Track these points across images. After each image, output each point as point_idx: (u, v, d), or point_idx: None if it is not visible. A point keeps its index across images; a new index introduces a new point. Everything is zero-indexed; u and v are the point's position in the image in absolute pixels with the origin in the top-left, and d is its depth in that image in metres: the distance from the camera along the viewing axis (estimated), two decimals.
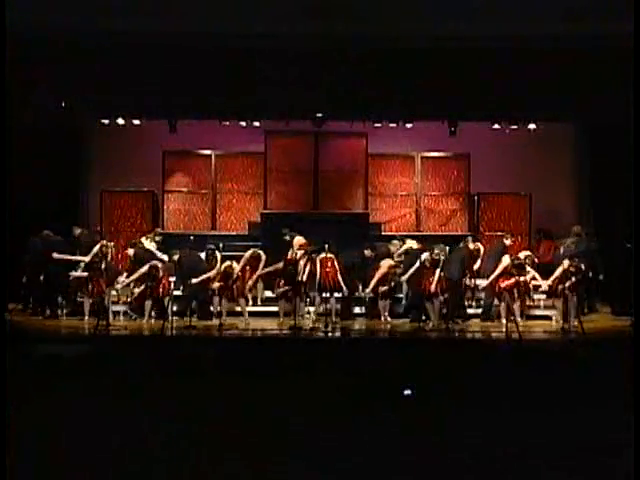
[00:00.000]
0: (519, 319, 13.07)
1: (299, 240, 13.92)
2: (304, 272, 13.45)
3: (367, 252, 13.83)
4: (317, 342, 12.16)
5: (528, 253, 13.96)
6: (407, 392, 8.55)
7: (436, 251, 13.26)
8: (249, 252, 13.78)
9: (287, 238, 14.05)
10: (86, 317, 13.26)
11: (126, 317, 13.67)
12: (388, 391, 8.74)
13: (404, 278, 13.61)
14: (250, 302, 13.83)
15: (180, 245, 14.26)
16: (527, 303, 13.64)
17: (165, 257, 13.82)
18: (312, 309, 13.74)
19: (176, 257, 13.66)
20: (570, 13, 12.50)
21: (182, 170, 17.01)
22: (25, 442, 6.69)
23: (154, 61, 13.57)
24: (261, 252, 13.85)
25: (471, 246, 14.23)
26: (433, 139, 16.18)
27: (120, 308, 13.76)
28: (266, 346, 11.92)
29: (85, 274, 13.47)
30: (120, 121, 15.14)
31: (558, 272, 13.01)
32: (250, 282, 13.67)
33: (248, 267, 13.66)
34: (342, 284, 13.43)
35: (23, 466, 6.15)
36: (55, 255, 13.41)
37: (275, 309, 13.81)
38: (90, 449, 6.66)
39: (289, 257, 13.67)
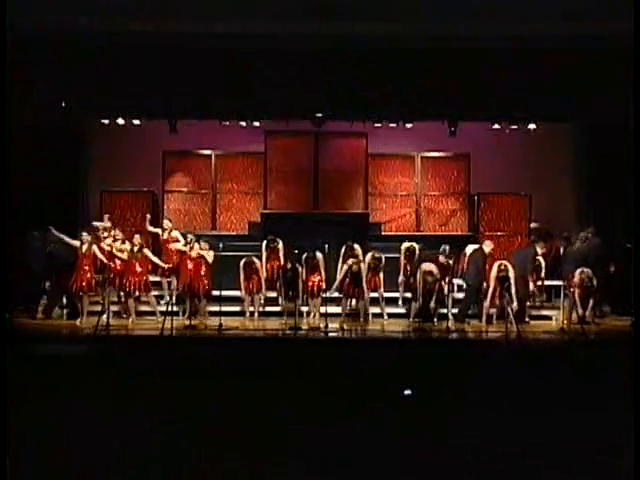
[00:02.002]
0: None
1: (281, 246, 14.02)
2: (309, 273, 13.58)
3: (441, 258, 13.63)
4: (317, 342, 12.15)
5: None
6: (407, 392, 8.56)
7: (377, 255, 13.59)
8: (242, 261, 13.74)
9: (272, 245, 14.04)
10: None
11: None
12: (388, 391, 8.74)
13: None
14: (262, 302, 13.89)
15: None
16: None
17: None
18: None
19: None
20: (570, 13, 12.51)
21: (182, 170, 17.01)
22: (25, 442, 6.69)
23: (154, 61, 13.57)
24: (254, 259, 13.80)
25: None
26: (433, 139, 16.15)
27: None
28: (266, 346, 11.91)
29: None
30: (120, 121, 15.12)
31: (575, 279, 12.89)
32: (255, 289, 13.70)
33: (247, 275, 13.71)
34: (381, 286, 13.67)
35: (23, 466, 6.15)
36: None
37: (276, 309, 13.86)
38: (90, 449, 6.67)
39: (281, 264, 13.80)
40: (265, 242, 14.14)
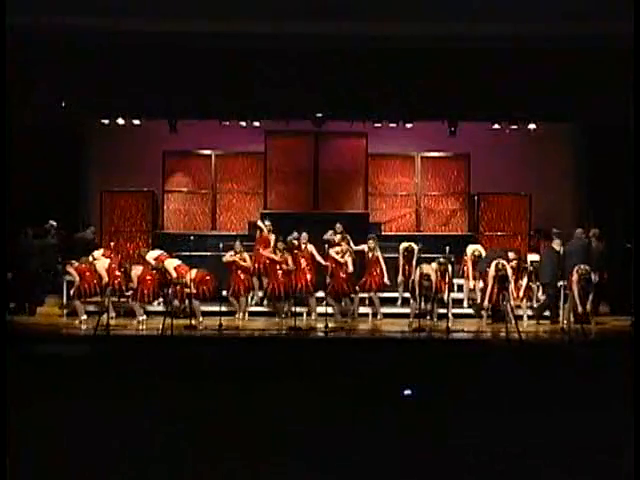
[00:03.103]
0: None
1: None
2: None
3: (511, 254, 13.73)
4: (317, 342, 12.15)
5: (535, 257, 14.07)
6: (407, 392, 8.55)
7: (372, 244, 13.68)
8: (237, 257, 13.67)
9: (264, 226, 14.03)
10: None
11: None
12: (388, 391, 8.74)
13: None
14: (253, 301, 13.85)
15: None
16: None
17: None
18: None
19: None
20: (570, 13, 12.52)
21: (182, 170, 17.01)
22: (25, 442, 6.69)
23: (154, 61, 13.59)
24: (245, 254, 13.75)
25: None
26: (433, 139, 16.17)
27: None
28: (266, 346, 11.91)
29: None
30: (120, 121, 15.14)
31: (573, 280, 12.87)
32: (242, 289, 13.64)
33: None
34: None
35: (23, 466, 6.15)
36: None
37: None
38: (90, 449, 6.66)
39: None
40: (258, 232, 14.07)
